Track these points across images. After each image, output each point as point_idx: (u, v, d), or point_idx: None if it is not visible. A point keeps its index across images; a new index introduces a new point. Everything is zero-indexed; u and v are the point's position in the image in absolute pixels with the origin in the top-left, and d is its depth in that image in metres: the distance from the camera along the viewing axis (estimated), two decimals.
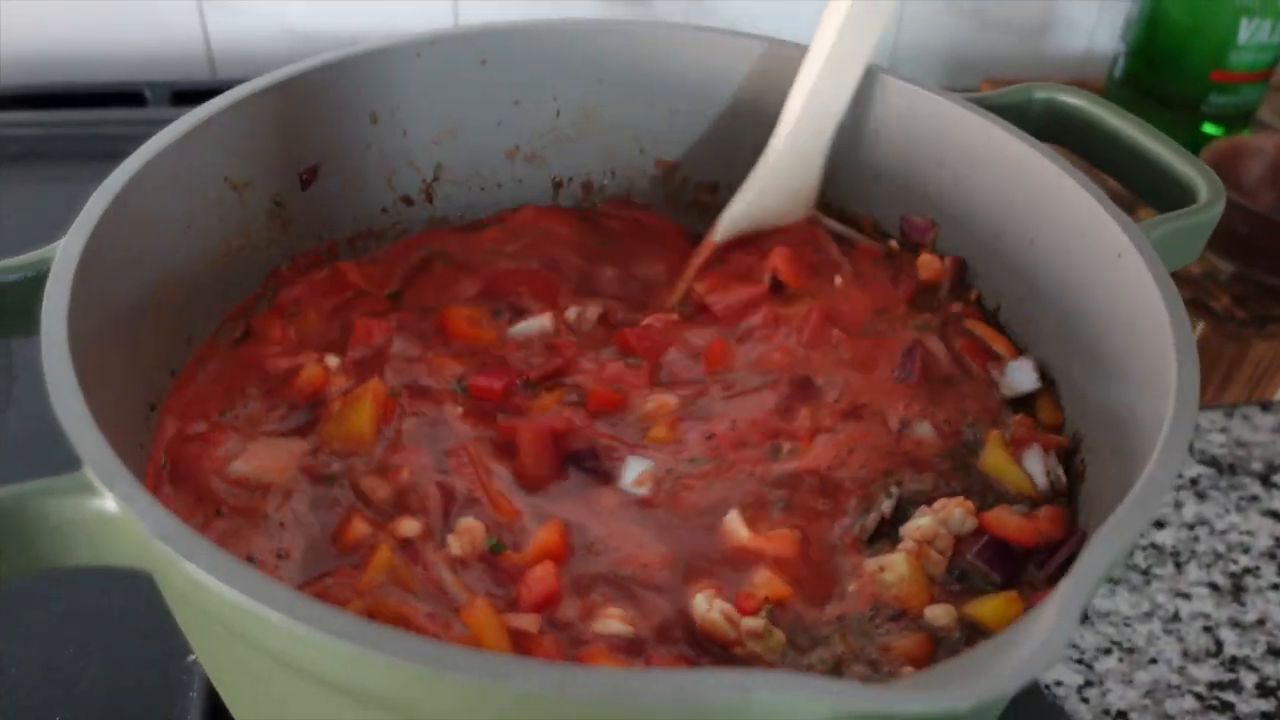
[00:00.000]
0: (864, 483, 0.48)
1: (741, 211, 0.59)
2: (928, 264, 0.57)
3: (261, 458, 0.46)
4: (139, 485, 0.32)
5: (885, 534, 0.46)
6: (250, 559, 0.43)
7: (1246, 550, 0.66)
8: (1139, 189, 0.53)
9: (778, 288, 0.57)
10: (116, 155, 0.46)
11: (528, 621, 0.40)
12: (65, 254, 0.40)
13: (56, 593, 0.54)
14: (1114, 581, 0.63)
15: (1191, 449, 0.73)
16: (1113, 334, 0.46)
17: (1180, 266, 0.49)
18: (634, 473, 0.48)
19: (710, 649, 0.41)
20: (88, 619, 0.53)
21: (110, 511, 0.33)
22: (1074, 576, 0.31)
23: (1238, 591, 0.63)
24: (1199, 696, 0.58)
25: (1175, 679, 0.58)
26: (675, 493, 0.47)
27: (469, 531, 0.44)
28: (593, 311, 0.56)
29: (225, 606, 0.30)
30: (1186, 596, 0.63)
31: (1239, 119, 0.92)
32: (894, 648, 0.41)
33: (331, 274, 0.57)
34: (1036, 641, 0.29)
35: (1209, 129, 0.91)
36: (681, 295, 0.58)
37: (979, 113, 0.53)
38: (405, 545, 0.43)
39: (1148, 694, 0.58)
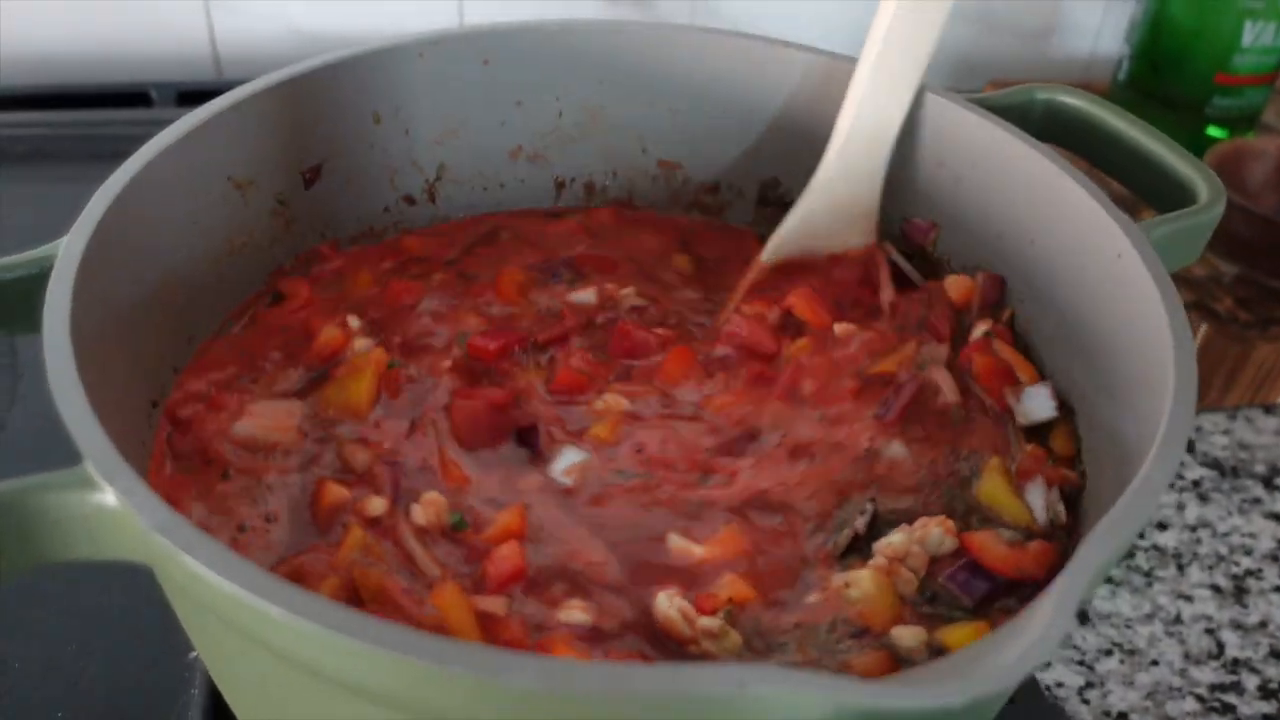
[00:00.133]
0: (819, 511, 0.46)
1: (791, 233, 0.57)
2: (956, 285, 0.55)
3: (263, 417, 0.48)
4: (139, 479, 0.33)
5: (859, 549, 0.44)
6: (241, 527, 0.44)
7: (1249, 553, 0.66)
8: (1140, 190, 0.53)
9: (793, 325, 0.55)
10: (122, 155, 0.46)
11: (495, 604, 0.41)
12: (68, 251, 0.40)
13: (58, 591, 0.54)
14: (1115, 583, 0.63)
15: (1194, 451, 0.72)
16: (1112, 334, 0.46)
17: (1180, 267, 0.49)
18: (567, 462, 0.48)
19: (667, 646, 0.40)
20: (89, 617, 0.54)
21: (110, 505, 0.33)
22: (1070, 573, 0.32)
23: (1240, 594, 0.63)
24: (1200, 698, 0.58)
25: (1176, 681, 0.58)
26: (599, 495, 0.47)
27: (434, 504, 0.44)
28: (632, 296, 0.56)
29: (224, 600, 0.30)
30: (1188, 598, 0.63)
31: (1243, 121, 0.92)
32: (853, 665, 0.40)
33: (391, 242, 0.59)
34: (1031, 638, 0.29)
35: (1213, 131, 0.91)
36: (729, 315, 0.56)
37: (980, 114, 0.53)
38: (374, 523, 0.44)
39: (1149, 696, 0.58)
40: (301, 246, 0.56)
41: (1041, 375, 0.51)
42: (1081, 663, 0.59)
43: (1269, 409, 0.76)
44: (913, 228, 0.58)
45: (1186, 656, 0.60)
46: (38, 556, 0.34)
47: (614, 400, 0.51)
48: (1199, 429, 0.74)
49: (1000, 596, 0.43)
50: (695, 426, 0.50)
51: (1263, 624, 0.62)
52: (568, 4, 0.85)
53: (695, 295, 0.58)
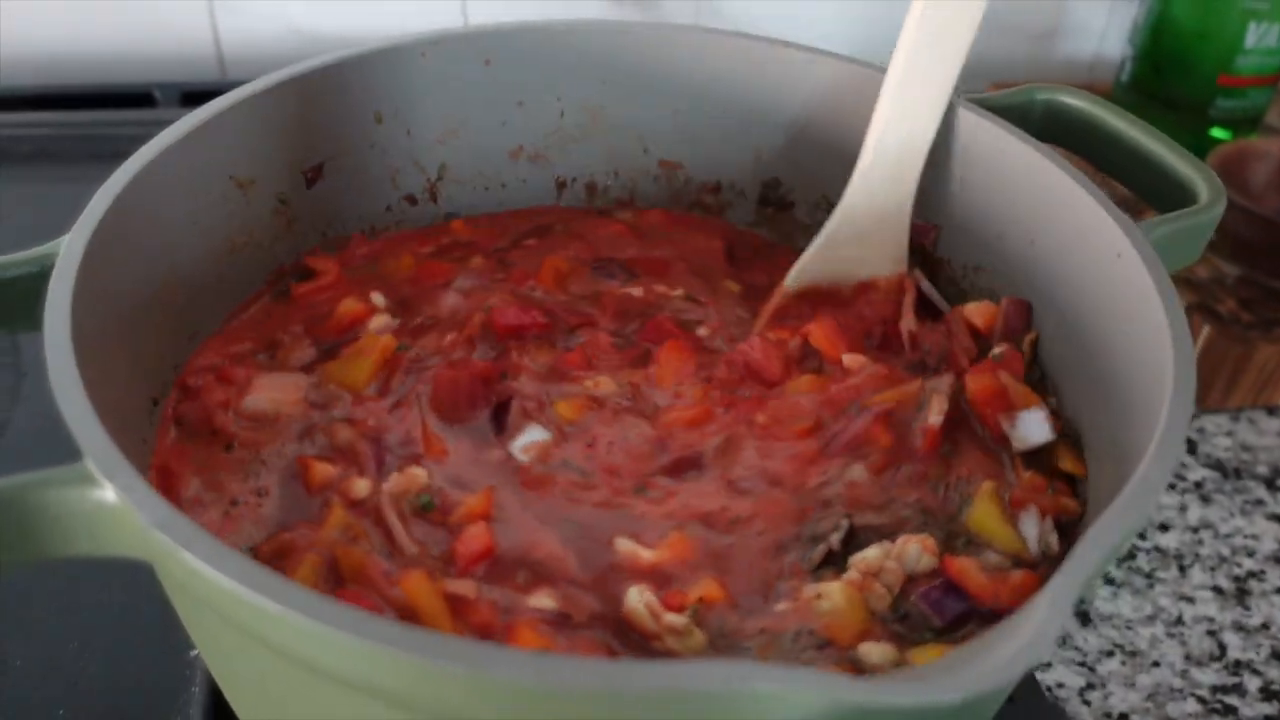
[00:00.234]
0: (775, 541, 0.44)
1: (815, 259, 0.55)
2: (979, 311, 0.53)
3: (271, 390, 0.49)
4: (138, 476, 0.33)
5: (836, 563, 0.43)
6: (234, 501, 0.45)
7: (1251, 554, 0.66)
8: (1140, 190, 0.53)
9: (812, 356, 0.53)
10: (126, 156, 0.46)
11: (465, 587, 0.41)
12: (69, 250, 0.41)
13: (59, 589, 0.55)
14: (1117, 585, 0.63)
15: (1196, 452, 0.72)
16: (1112, 334, 0.46)
17: (1181, 267, 0.49)
18: (529, 438, 0.48)
19: (633, 639, 0.40)
20: (90, 615, 0.54)
21: (110, 502, 0.33)
22: (1066, 571, 0.32)
23: (1242, 595, 0.63)
24: (1202, 700, 0.57)
25: (1178, 682, 0.58)
26: (542, 478, 0.46)
27: (410, 478, 0.45)
28: (680, 299, 0.56)
29: (221, 596, 0.30)
30: (1190, 600, 0.63)
31: (1247, 123, 0.91)
32: None
33: (440, 228, 0.60)
34: (1027, 636, 0.29)
35: (1216, 133, 0.91)
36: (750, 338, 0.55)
37: (981, 114, 0.53)
38: (357, 504, 0.44)
39: (1150, 697, 0.57)
40: (303, 246, 0.57)
41: (1043, 398, 0.49)
42: (1083, 664, 0.59)
43: (1271, 410, 0.76)
44: (914, 229, 0.58)
45: (1188, 658, 0.60)
46: (38, 552, 0.34)
47: (603, 380, 0.51)
48: (1201, 430, 0.74)
49: (972, 622, 0.41)
50: (645, 434, 0.49)
51: (1265, 626, 0.62)
52: (573, 4, 0.86)
53: (746, 315, 0.57)
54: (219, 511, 0.44)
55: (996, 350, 0.50)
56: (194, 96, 0.91)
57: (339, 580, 0.41)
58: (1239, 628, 0.61)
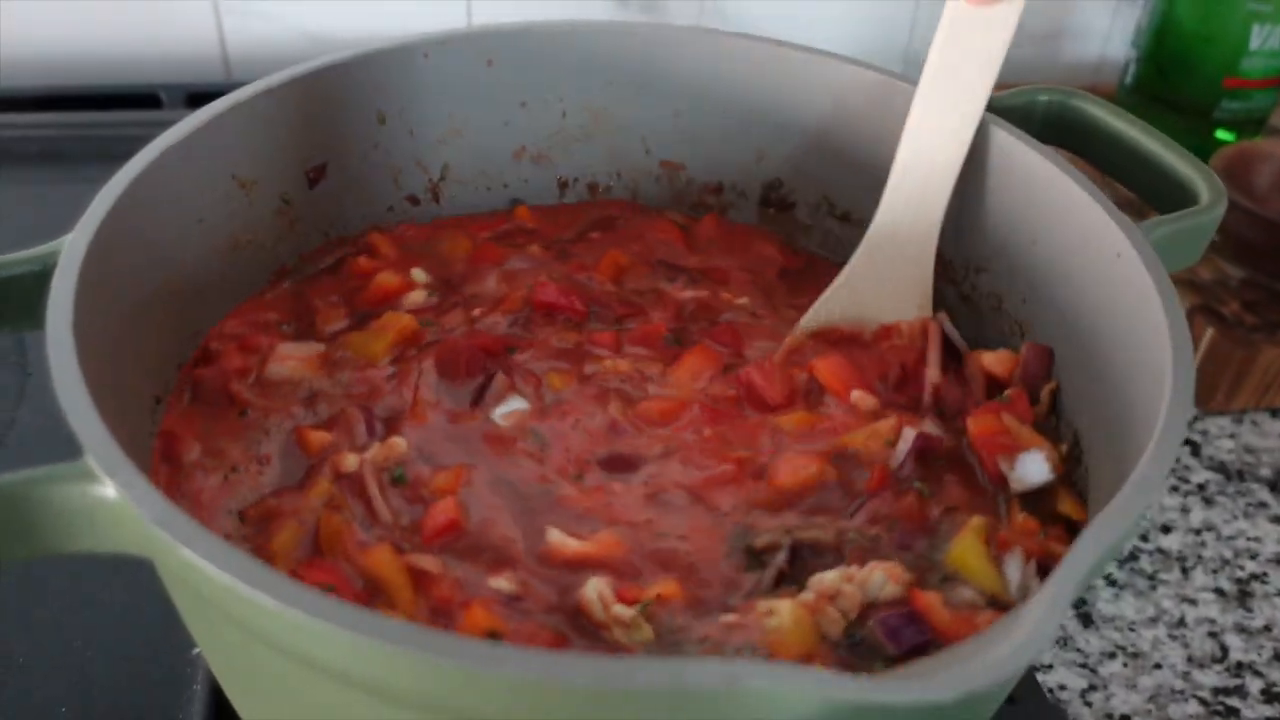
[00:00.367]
0: (710, 556, 0.44)
1: (833, 300, 0.54)
2: (998, 360, 0.51)
3: (292, 359, 0.50)
4: (139, 473, 0.33)
5: (796, 579, 0.42)
6: (234, 468, 0.46)
7: (1254, 556, 0.66)
8: (1141, 191, 0.53)
9: (817, 391, 0.52)
10: (131, 156, 0.46)
11: (431, 563, 0.42)
12: (72, 248, 0.41)
13: (61, 587, 0.55)
14: (1119, 586, 0.63)
15: (1199, 454, 0.72)
16: (1112, 334, 0.46)
17: (1181, 268, 0.49)
18: (509, 407, 0.49)
19: (585, 628, 0.41)
20: (92, 614, 0.54)
21: (110, 499, 0.33)
22: (1063, 570, 0.32)
23: (1244, 597, 0.63)
24: (1204, 702, 0.57)
25: (1180, 684, 0.58)
26: (504, 439, 0.48)
27: (390, 447, 0.46)
28: (747, 307, 0.57)
29: (221, 592, 0.31)
30: (1192, 602, 0.63)
31: (1251, 125, 0.91)
32: None
33: (502, 214, 0.61)
34: (1025, 634, 0.29)
35: (1221, 135, 0.91)
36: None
37: (983, 115, 0.53)
38: (343, 477, 0.45)
39: (1151, 699, 0.57)
40: (306, 245, 0.57)
41: (1055, 445, 0.48)
42: (1084, 665, 0.59)
43: (1275, 412, 0.76)
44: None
45: (1190, 660, 0.59)
46: (40, 547, 0.34)
47: (621, 364, 0.52)
48: (1204, 433, 0.74)
49: (927, 656, 0.38)
50: (610, 420, 0.50)
51: (1267, 628, 0.61)
52: (578, 5, 0.86)
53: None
54: (219, 477, 0.45)
55: (1007, 393, 0.50)
56: (199, 97, 0.91)
57: (316, 548, 0.42)
58: (1241, 630, 0.61)
